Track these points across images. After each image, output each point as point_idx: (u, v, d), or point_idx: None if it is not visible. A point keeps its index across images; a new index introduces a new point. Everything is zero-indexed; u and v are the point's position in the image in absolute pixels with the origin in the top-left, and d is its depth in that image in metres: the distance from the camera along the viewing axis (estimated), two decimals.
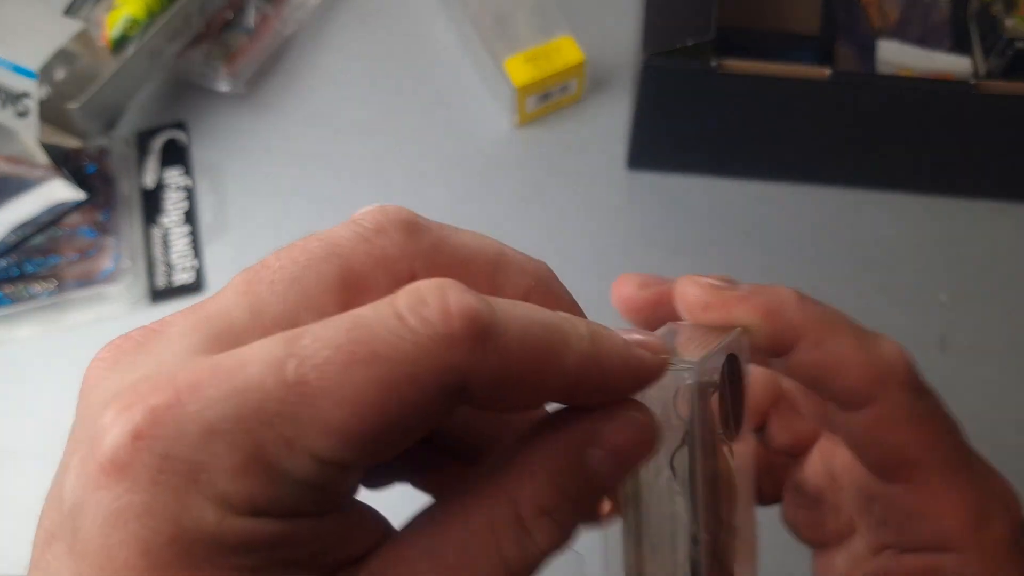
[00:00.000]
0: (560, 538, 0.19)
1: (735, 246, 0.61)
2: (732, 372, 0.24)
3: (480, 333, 0.18)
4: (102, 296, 0.59)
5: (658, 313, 0.27)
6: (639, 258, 0.61)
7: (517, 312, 0.18)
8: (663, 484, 0.23)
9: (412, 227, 0.20)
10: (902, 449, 0.26)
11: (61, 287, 0.59)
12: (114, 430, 0.16)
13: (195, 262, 0.61)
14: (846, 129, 0.59)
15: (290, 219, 0.63)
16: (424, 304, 0.18)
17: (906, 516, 0.27)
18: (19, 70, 0.57)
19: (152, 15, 0.62)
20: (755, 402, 0.29)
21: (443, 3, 0.71)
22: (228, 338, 0.19)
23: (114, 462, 0.16)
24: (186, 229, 0.62)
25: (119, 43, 0.61)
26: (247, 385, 0.17)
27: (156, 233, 0.62)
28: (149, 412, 0.16)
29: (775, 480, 0.31)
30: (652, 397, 0.21)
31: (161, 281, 0.60)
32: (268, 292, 0.19)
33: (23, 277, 0.59)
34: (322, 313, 0.19)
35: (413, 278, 0.19)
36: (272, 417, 0.16)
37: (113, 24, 0.61)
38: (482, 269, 0.21)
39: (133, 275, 0.60)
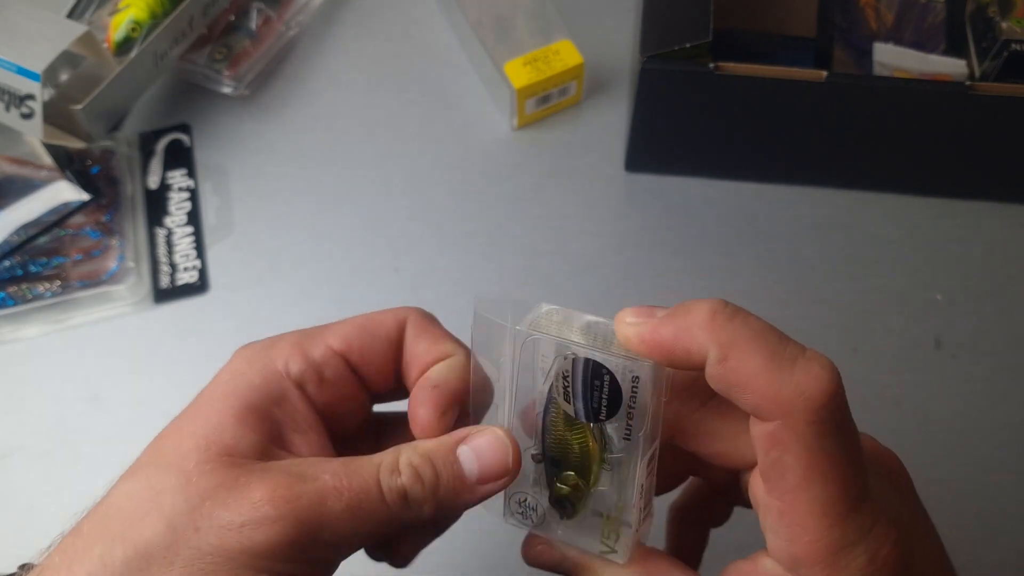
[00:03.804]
0: (417, 482, 0.30)
1: (733, 248, 0.61)
2: (594, 373, 0.29)
3: None
4: (106, 296, 0.59)
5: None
6: (637, 259, 0.61)
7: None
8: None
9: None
10: (787, 471, 0.26)
11: (65, 287, 0.59)
12: None
13: (198, 263, 0.61)
14: (842, 131, 0.60)
15: (292, 220, 0.63)
16: None
17: (768, 529, 0.28)
18: (24, 72, 0.57)
19: (155, 18, 0.63)
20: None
21: (444, 7, 0.71)
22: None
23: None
24: (189, 230, 0.63)
25: (123, 45, 0.62)
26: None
27: (160, 234, 0.62)
28: None
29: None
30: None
31: (164, 281, 0.61)
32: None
33: (27, 277, 0.59)
34: None
35: None
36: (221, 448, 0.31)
37: (117, 27, 0.62)
38: None
39: (137, 275, 0.60)
